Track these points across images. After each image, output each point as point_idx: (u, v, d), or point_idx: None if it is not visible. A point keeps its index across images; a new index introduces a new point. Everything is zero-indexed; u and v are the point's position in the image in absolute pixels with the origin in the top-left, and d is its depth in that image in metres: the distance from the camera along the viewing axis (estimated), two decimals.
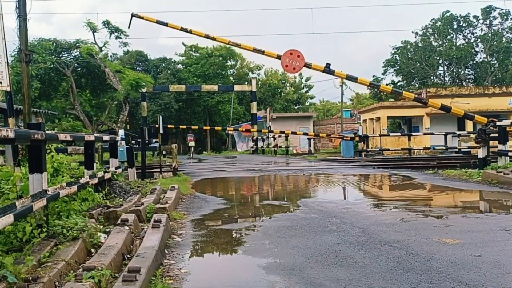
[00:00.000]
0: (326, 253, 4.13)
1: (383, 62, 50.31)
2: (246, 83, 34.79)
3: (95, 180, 6.62)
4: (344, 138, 23.92)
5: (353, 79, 14.56)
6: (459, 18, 47.67)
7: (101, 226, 4.99)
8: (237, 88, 36.71)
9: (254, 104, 33.36)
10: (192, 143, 31.63)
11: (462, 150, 22.19)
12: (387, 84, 50.82)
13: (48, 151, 6.27)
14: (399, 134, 30.22)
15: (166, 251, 4.30)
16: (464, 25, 48.20)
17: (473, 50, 47.83)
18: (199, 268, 4.01)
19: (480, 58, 48.14)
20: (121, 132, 17.69)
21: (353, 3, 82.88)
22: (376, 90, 15.93)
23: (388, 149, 24.95)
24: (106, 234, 4.67)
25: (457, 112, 14.70)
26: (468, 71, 49.71)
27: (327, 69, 14.00)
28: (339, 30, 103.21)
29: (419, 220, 5.63)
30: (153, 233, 4.39)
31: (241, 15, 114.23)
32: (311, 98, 55.93)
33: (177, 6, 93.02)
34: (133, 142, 23.51)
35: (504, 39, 46.87)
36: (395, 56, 49.96)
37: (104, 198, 6.82)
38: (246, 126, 32.19)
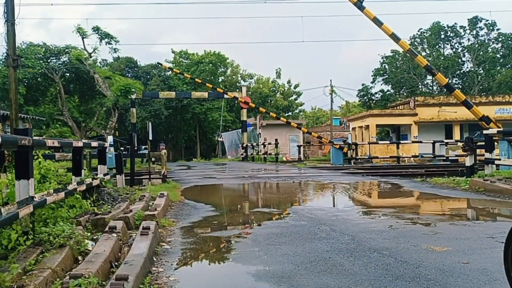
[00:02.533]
0: (315, 260, 4.13)
1: (372, 71, 50.82)
2: (238, 90, 34.83)
3: (83, 187, 6.55)
4: (334, 145, 24.02)
5: (379, 23, 15.23)
6: (446, 28, 48.42)
7: (89, 233, 4.92)
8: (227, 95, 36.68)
9: (244, 111, 33.37)
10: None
11: (449, 158, 22.42)
12: (375, 93, 51.46)
13: (35, 157, 6.20)
14: (388, 142, 30.47)
15: (155, 259, 4.26)
16: (451, 35, 48.96)
17: (460, 60, 48.58)
18: (188, 276, 3.97)
19: (467, 67, 48.94)
20: (110, 139, 17.60)
21: (344, 13, 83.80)
22: (395, 41, 15.93)
23: (377, 157, 25.11)
24: (93, 242, 4.61)
25: (458, 95, 15.05)
26: (456, 81, 50.37)
27: (359, 3, 14.56)
28: (330, 39, 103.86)
29: (408, 227, 5.66)
30: (141, 240, 4.35)
31: (233, 23, 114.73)
32: (300, 105, 56.25)
33: (173, 13, 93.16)
34: (121, 148, 23.39)
35: (490, 49, 47.69)
36: (384, 65, 50.49)
37: (92, 205, 6.75)
38: (245, 98, 32.00)
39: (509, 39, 47.28)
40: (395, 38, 15.87)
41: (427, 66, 15.99)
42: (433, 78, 15.66)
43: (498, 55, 47.84)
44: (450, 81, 49.07)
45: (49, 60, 27.87)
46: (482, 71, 48.17)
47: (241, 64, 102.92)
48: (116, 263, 3.95)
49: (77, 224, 5.12)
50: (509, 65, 46.74)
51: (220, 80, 50.16)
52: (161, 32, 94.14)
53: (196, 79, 36.04)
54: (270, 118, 45.62)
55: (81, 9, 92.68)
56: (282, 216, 7.06)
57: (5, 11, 8.96)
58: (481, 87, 46.86)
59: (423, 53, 49.43)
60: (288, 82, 53.34)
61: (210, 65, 46.09)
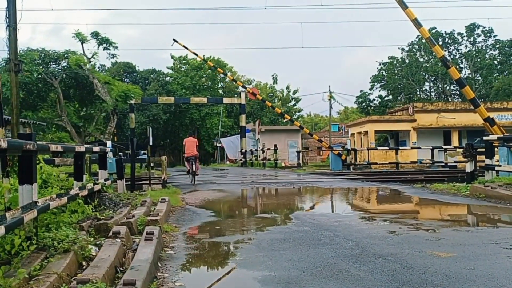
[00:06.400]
0: (321, 266, 4.11)
1: (370, 78, 51.02)
2: (236, 96, 34.90)
3: (85, 192, 6.53)
4: (333, 151, 24.05)
5: (404, 6, 15.46)
6: (444, 35, 48.68)
7: (92, 239, 4.90)
8: (226, 100, 36.78)
9: (243, 116, 33.43)
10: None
11: (448, 164, 22.47)
12: (373, 99, 51.61)
13: (37, 162, 6.17)
14: (386, 148, 30.51)
15: (160, 264, 4.24)
16: (449, 41, 49.22)
17: (458, 67, 48.77)
18: (193, 281, 3.95)
19: (465, 74, 49.12)
20: (109, 144, 17.59)
21: (344, 19, 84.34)
22: (417, 27, 16.01)
23: (376, 163, 25.14)
24: (97, 247, 4.59)
25: (468, 92, 15.24)
26: (454, 87, 50.57)
27: None
28: (330, 45, 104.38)
29: (411, 233, 5.66)
30: (146, 245, 4.33)
31: (234, 29, 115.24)
32: (299, 111, 56.29)
33: (175, 20, 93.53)
34: (120, 154, 23.38)
35: (487, 56, 47.94)
36: (382, 72, 50.68)
37: (94, 210, 6.72)
38: (254, 90, 31.80)
39: (506, 46, 47.58)
40: (417, 24, 15.84)
41: (443, 57, 16.13)
42: (446, 71, 15.81)
43: (495, 62, 48.10)
44: (448, 88, 49.42)
45: (48, 66, 27.86)
46: (479, 77, 48.38)
47: (241, 70, 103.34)
48: (121, 269, 3.93)
49: (80, 229, 5.10)
50: (506, 72, 46.98)
51: (219, 86, 50.26)
52: (163, 38, 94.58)
53: (208, 62, 35.74)
54: (268, 124, 45.82)
55: (91, 15, 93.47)
56: (284, 221, 7.05)
57: (7, 16, 8.98)
58: (479, 94, 47.00)
59: (421, 59, 49.69)
60: (287, 88, 53.45)
61: (209, 71, 46.16)
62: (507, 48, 47.60)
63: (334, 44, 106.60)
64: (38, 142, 4.69)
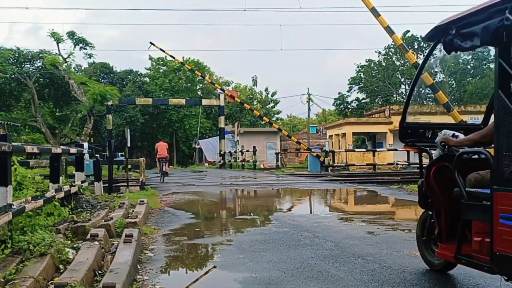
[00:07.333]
0: (301, 266, 4.14)
1: (348, 80, 51.65)
2: (214, 97, 34.70)
3: (62, 194, 6.40)
4: (311, 152, 24.22)
5: (376, 14, 15.73)
6: (419, 39, 49.66)
7: (69, 242, 4.80)
8: (205, 102, 36.58)
9: (222, 118, 33.30)
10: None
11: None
12: (351, 102, 52.26)
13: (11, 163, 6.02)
14: (364, 149, 30.91)
15: (139, 267, 4.19)
16: (424, 45, 50.20)
17: (432, 71, 49.84)
18: (174, 283, 3.92)
19: (439, 78, 50.22)
20: (85, 145, 17.26)
21: (323, 22, 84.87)
22: (389, 34, 16.25)
23: (354, 165, 25.42)
24: (74, 250, 4.50)
25: (441, 97, 15.65)
26: (428, 90, 51.62)
27: None
28: (309, 48, 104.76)
29: (389, 233, 5.75)
30: (125, 248, 4.27)
31: (212, 30, 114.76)
32: (278, 113, 56.52)
33: (156, 20, 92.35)
34: (97, 155, 22.95)
35: (461, 61, 49.15)
36: (360, 74, 51.37)
37: (71, 212, 6.60)
38: (232, 92, 31.58)
39: (479, 51, 48.86)
40: (389, 31, 16.07)
41: (416, 64, 16.44)
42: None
43: (468, 66, 49.36)
44: (423, 91, 50.40)
45: (22, 65, 27.21)
46: (453, 81, 49.55)
47: (221, 72, 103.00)
48: (99, 272, 3.86)
49: (56, 232, 5.00)
50: (479, 76, 48.26)
51: (198, 87, 49.96)
52: (143, 39, 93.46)
53: (186, 65, 35.37)
54: (247, 125, 45.81)
55: (70, 15, 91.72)
56: (264, 223, 7.07)
57: None
58: (453, 97, 48.15)
59: (397, 63, 50.57)
60: (266, 90, 53.63)
61: (188, 73, 45.83)
62: (479, 53, 48.86)
63: (313, 47, 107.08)
64: (13, 143, 4.58)
